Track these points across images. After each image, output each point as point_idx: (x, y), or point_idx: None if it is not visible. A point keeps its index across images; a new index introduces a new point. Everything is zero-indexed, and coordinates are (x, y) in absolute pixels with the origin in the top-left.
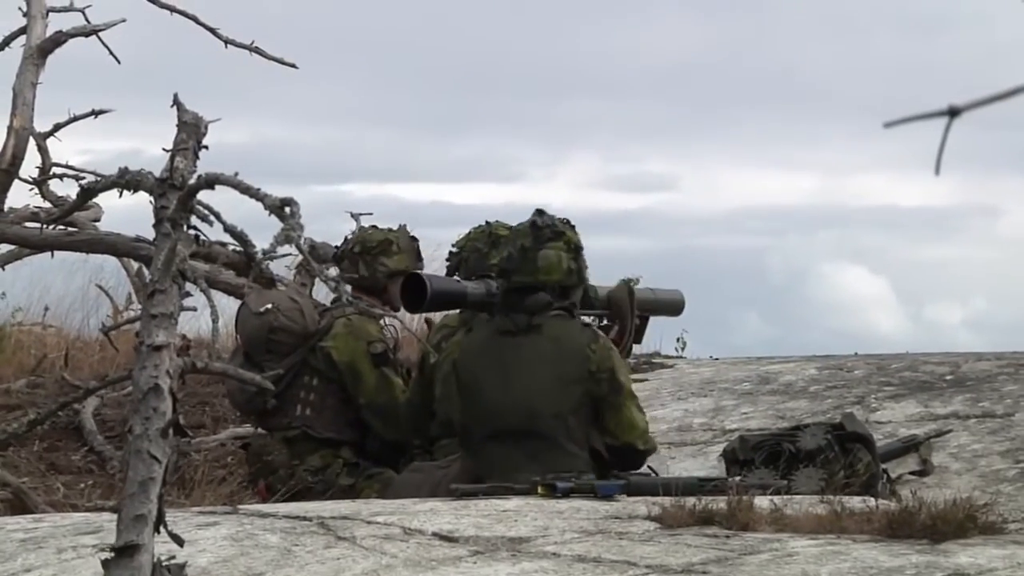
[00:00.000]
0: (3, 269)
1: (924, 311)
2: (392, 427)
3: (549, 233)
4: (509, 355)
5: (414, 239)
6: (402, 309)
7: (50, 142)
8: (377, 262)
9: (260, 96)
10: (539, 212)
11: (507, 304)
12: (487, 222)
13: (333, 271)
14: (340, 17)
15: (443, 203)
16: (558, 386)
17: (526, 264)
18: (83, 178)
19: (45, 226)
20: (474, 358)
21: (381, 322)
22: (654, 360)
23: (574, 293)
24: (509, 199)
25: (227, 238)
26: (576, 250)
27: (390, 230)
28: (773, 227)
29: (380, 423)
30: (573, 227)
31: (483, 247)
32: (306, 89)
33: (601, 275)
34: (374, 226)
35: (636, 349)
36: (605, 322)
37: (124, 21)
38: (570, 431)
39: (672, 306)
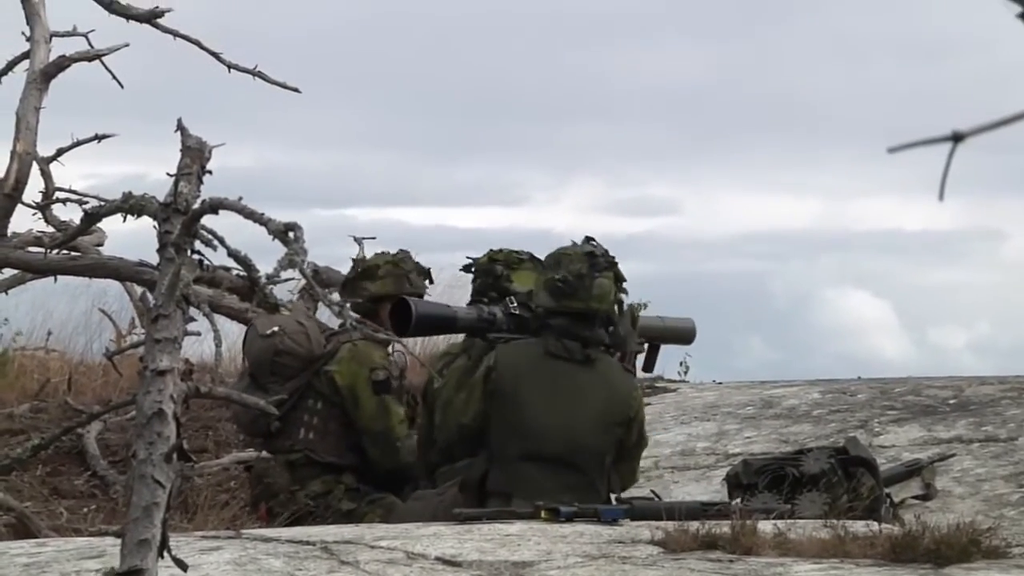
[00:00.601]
0: (6, 294)
1: (928, 335)
2: (388, 456)
3: (604, 262)
4: (561, 381)
5: (418, 264)
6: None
7: (54, 166)
8: (360, 287)
9: (264, 120)
10: (589, 239)
11: (558, 329)
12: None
13: (336, 296)
14: (344, 42)
15: (447, 227)
16: (603, 425)
17: (582, 290)
18: (86, 203)
19: (48, 251)
20: (517, 372)
21: (389, 348)
22: (657, 384)
23: (615, 325)
24: (513, 223)
25: (231, 263)
26: (620, 283)
27: (393, 255)
28: (776, 251)
29: (376, 451)
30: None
31: (501, 270)
32: (310, 113)
33: None
34: (383, 252)
35: (640, 374)
36: (610, 350)
37: (127, 46)
38: (603, 471)
39: (682, 334)
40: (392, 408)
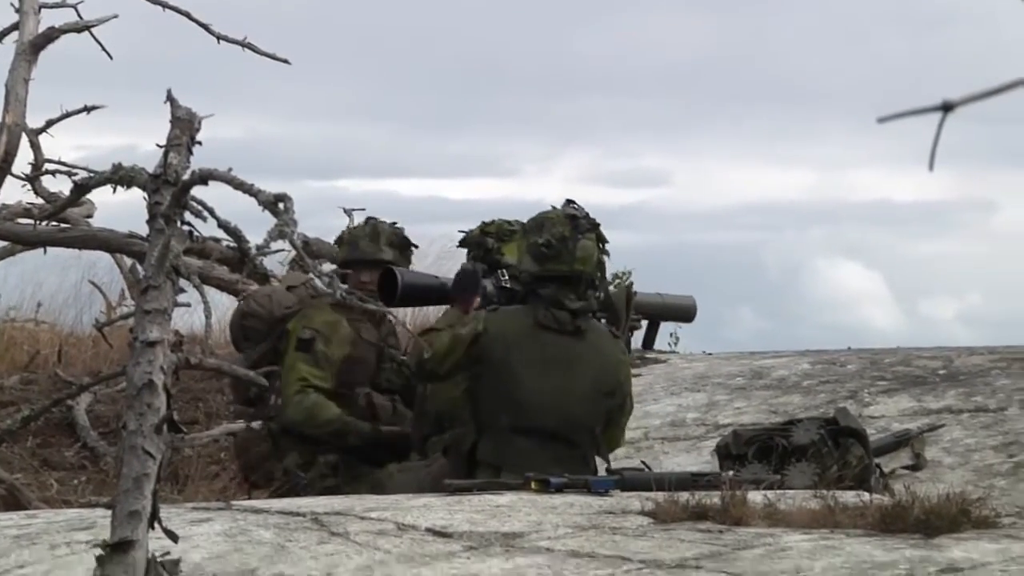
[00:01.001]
0: None
1: (919, 306)
2: (281, 409)
3: (586, 224)
4: (552, 352)
5: (395, 233)
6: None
7: (44, 138)
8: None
9: (256, 92)
10: (570, 202)
11: (547, 298)
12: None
13: (326, 267)
14: (336, 13)
15: (439, 198)
16: (595, 397)
17: (565, 253)
18: (76, 174)
19: (38, 222)
20: (507, 342)
21: (389, 318)
22: (647, 355)
23: (598, 288)
24: (505, 194)
25: (221, 234)
26: (603, 244)
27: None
28: (768, 222)
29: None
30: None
31: (492, 242)
32: (302, 85)
33: None
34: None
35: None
36: (603, 323)
37: (116, 17)
38: (594, 443)
39: (682, 311)
40: (296, 365)
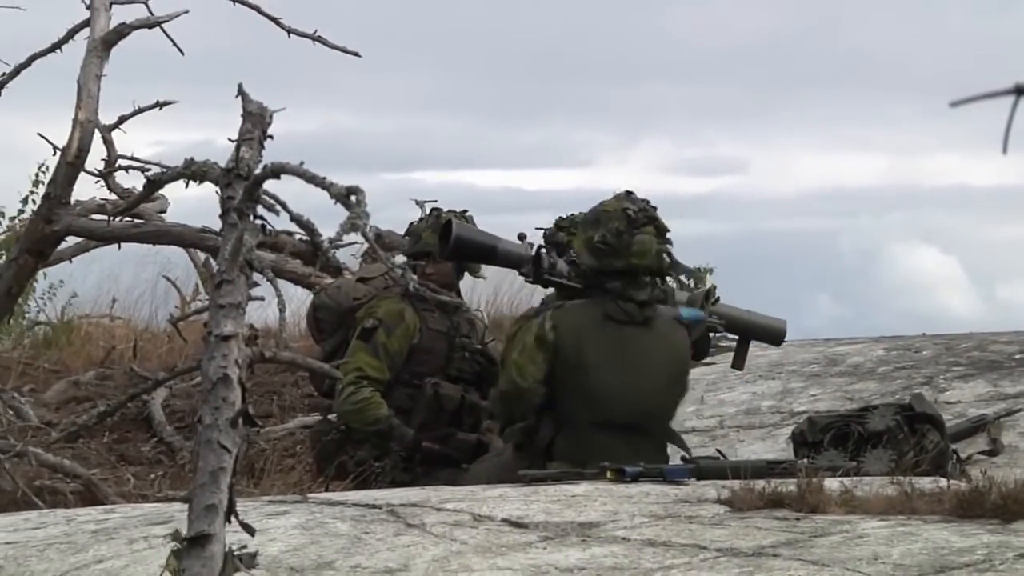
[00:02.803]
0: (71, 262)
1: (996, 291)
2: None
3: (643, 218)
4: (626, 345)
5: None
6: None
7: (118, 134)
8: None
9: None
10: (629, 193)
11: (614, 291)
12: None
13: (399, 259)
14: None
15: (513, 189)
16: (669, 386)
17: (621, 249)
18: (149, 170)
19: (111, 218)
20: (579, 336)
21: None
22: (721, 343)
23: (663, 280)
24: (579, 184)
25: (294, 227)
26: (664, 234)
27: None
28: (844, 208)
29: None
30: (656, 210)
31: (564, 236)
32: (376, 77)
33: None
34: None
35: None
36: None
37: (187, 12)
38: (669, 432)
39: (769, 333)
40: (356, 354)
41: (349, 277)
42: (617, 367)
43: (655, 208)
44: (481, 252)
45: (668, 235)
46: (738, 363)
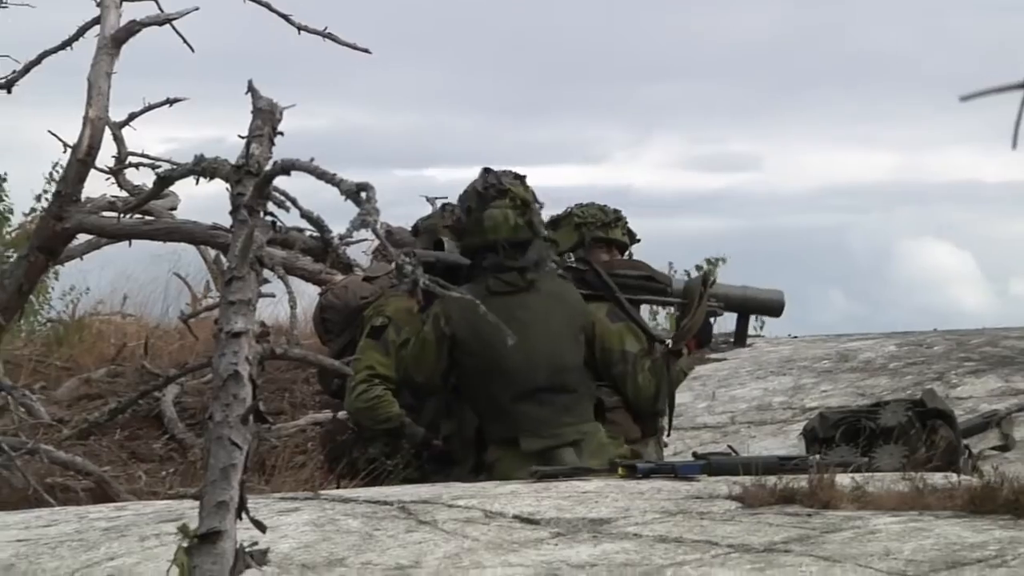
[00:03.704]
0: (82, 259)
1: (1011, 286)
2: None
3: (493, 192)
4: (516, 313)
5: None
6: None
7: (130, 131)
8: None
9: (343, 82)
10: (485, 171)
11: (491, 267)
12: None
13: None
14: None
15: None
16: (573, 337)
17: (474, 225)
18: (159, 167)
19: (122, 215)
20: (473, 321)
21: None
22: (731, 339)
23: (534, 248)
24: (592, 181)
25: (304, 224)
26: (524, 205)
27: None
28: (856, 204)
29: None
30: (523, 180)
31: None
32: (388, 74)
33: (685, 254)
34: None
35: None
36: (681, 311)
37: (197, 9)
38: (588, 381)
39: (766, 306)
40: (366, 352)
41: (355, 276)
42: (518, 337)
43: (522, 178)
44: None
45: (530, 203)
46: (740, 340)
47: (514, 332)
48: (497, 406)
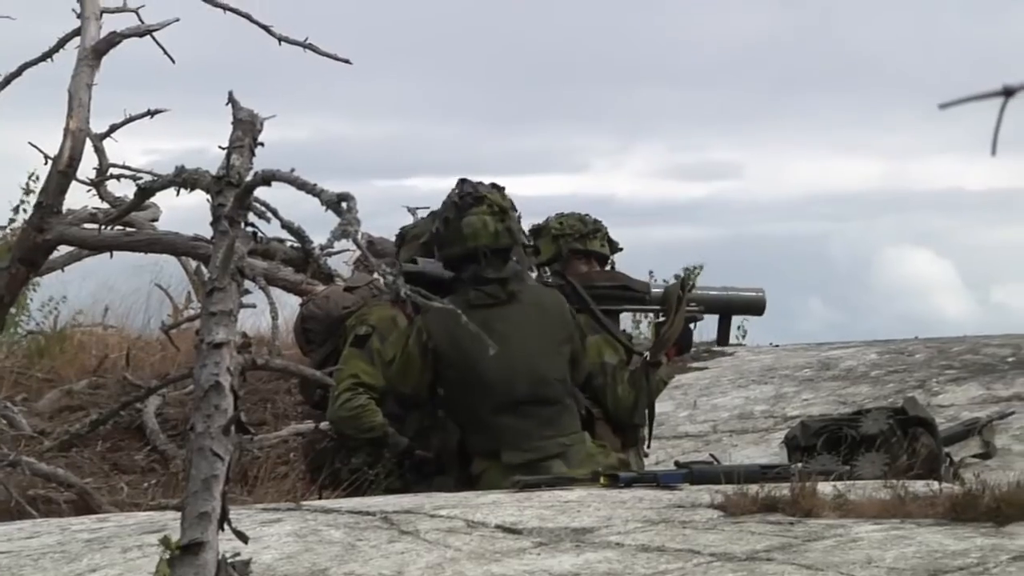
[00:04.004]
0: (63, 271)
1: (991, 294)
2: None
3: (470, 200)
4: (499, 326)
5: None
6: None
7: (114, 143)
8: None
9: (323, 92)
10: (461, 181)
11: (471, 279)
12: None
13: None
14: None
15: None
16: (555, 349)
17: (453, 234)
18: (140, 178)
19: (103, 227)
20: (453, 335)
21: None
22: (714, 348)
23: (514, 255)
24: (575, 190)
25: (285, 235)
26: (502, 212)
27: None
28: (837, 212)
29: None
30: (501, 190)
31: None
32: (368, 84)
33: (667, 263)
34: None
35: (696, 338)
36: (661, 318)
37: (178, 20)
38: (570, 391)
39: (749, 305)
40: (350, 361)
41: (336, 287)
42: (499, 349)
43: (500, 188)
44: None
45: (507, 210)
46: (722, 340)
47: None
48: (478, 419)
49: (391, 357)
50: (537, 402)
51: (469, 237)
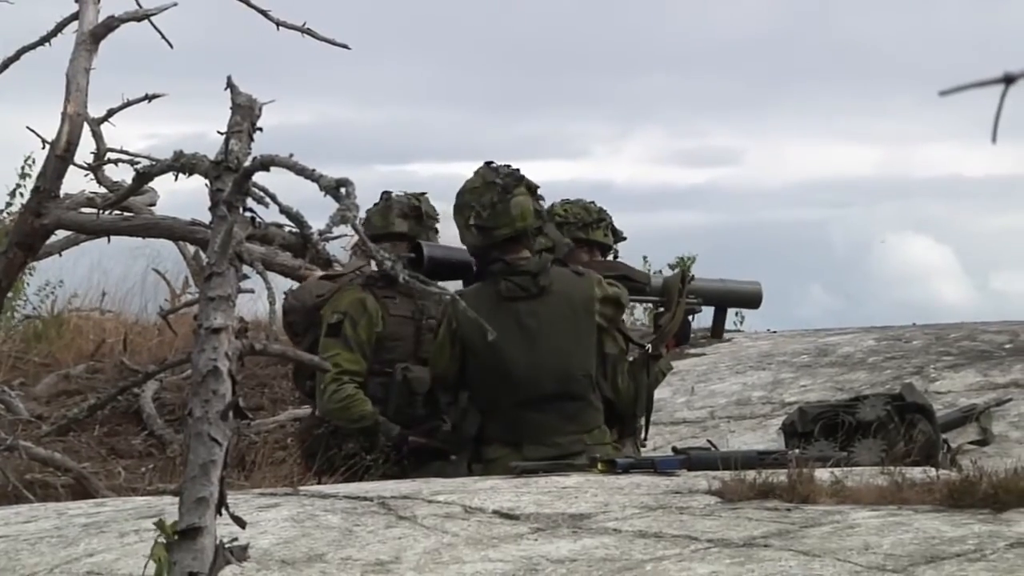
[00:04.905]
0: (60, 255)
1: (990, 280)
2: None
3: (512, 181)
4: (524, 321)
5: (406, 203)
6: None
7: (113, 127)
8: None
9: (324, 77)
10: (488, 164)
11: (502, 271)
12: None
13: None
14: None
15: None
16: (581, 343)
17: (503, 216)
18: (138, 163)
19: (101, 211)
20: (482, 327)
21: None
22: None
23: (543, 235)
24: (575, 175)
25: (283, 220)
26: (535, 191)
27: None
28: (837, 199)
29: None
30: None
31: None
32: (370, 69)
33: (666, 249)
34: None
35: (694, 326)
36: (661, 309)
37: (176, 4)
38: (593, 384)
39: (745, 298)
40: (329, 350)
41: (313, 276)
42: (521, 345)
43: (518, 170)
44: (457, 269)
45: (536, 189)
46: (717, 331)
47: (522, 340)
48: (501, 410)
49: (365, 338)
50: (562, 397)
51: (518, 218)
